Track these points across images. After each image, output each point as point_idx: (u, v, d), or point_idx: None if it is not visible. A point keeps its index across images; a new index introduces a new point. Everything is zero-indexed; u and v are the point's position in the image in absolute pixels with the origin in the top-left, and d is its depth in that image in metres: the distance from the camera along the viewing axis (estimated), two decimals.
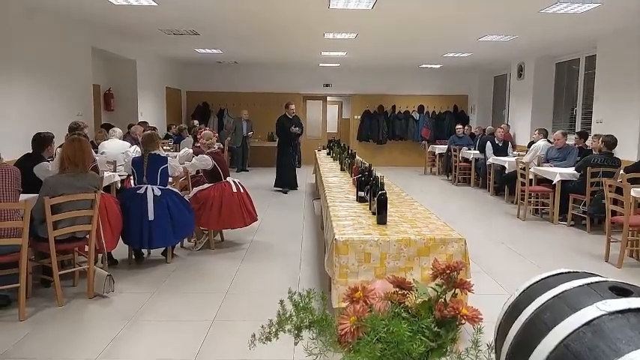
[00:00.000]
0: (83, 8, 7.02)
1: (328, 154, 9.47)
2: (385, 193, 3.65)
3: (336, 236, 3.23)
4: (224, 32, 8.93)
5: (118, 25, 8.37)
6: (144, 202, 4.85)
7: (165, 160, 5.12)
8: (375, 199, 3.67)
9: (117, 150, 6.91)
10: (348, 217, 3.81)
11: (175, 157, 5.85)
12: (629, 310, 0.85)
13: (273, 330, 1.30)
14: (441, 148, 12.87)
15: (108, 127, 8.01)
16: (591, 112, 8.88)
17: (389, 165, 14.46)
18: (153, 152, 5.10)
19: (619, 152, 7.04)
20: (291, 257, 5.39)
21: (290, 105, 9.86)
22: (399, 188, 5.21)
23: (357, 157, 7.18)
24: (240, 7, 6.86)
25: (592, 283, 0.96)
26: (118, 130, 7.56)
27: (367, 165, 4.90)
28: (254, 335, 1.33)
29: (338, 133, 16.01)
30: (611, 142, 6.90)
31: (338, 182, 5.72)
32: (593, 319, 0.85)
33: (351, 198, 4.59)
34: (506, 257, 5.62)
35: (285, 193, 9.79)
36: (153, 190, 4.92)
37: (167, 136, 11.53)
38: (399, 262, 3.22)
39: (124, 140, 7.58)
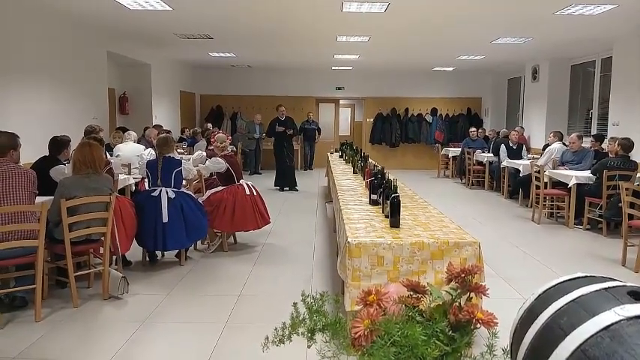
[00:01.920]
0: (99, 13, 7.11)
1: (341, 156, 9.47)
2: (398, 196, 3.64)
3: (349, 239, 3.23)
4: (238, 36, 8.98)
5: (134, 30, 8.46)
6: (158, 204, 4.89)
7: (179, 162, 5.16)
8: (388, 202, 3.66)
9: (132, 153, 6.99)
10: (361, 220, 3.80)
11: (189, 159, 5.88)
12: None
13: (287, 333, 1.30)
14: (454, 151, 12.80)
15: (123, 130, 8.10)
16: (607, 115, 8.77)
17: (401, 168, 14.41)
18: (167, 155, 5.14)
19: (636, 155, 6.93)
20: (304, 260, 5.39)
21: (280, 107, 10.63)
22: (411, 191, 5.19)
23: (370, 159, 7.17)
24: (253, 11, 6.90)
25: (610, 287, 0.94)
26: (132, 134, 7.64)
27: (380, 168, 4.89)
28: (267, 338, 1.33)
29: (350, 136, 16.00)
30: (627, 144, 6.80)
31: (350, 185, 5.71)
32: (612, 325, 0.84)
33: (364, 201, 4.59)
34: (520, 261, 5.56)
35: (281, 191, 10.30)
36: (167, 192, 4.96)
37: (181, 139, 11.62)
38: (412, 265, 3.20)
39: (138, 143, 7.66)
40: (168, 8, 6.67)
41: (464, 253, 3.18)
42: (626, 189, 5.39)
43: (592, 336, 0.84)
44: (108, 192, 4.25)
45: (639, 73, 7.78)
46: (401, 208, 3.64)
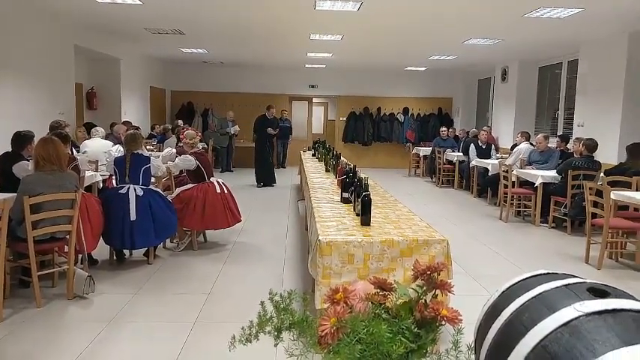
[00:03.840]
0: (66, 6, 6.93)
1: (313, 155, 9.47)
2: (369, 194, 3.65)
3: (320, 237, 3.22)
4: (210, 32, 8.88)
5: (102, 24, 8.27)
6: (126, 202, 4.79)
7: (147, 159, 5.07)
8: (359, 200, 3.67)
9: (99, 149, 6.84)
10: (332, 218, 3.80)
11: (158, 156, 5.79)
12: (606, 311, 0.86)
13: (254, 331, 1.29)
14: (425, 150, 12.95)
15: (90, 126, 7.92)
16: (573, 116, 9.00)
17: (374, 166, 14.50)
18: (135, 152, 5.05)
19: (599, 155, 7.14)
20: (275, 258, 5.37)
21: (271, 108, 10.83)
22: (383, 189, 5.23)
23: (342, 158, 7.18)
24: (226, 7, 6.83)
25: (570, 284, 0.96)
26: (100, 130, 7.48)
27: (352, 166, 4.90)
28: (234, 337, 1.31)
29: (324, 134, 16.02)
30: (591, 145, 7.00)
31: (323, 183, 5.71)
32: (571, 320, 0.86)
33: (336, 199, 4.59)
34: (488, 259, 5.66)
35: (259, 187, 10.43)
36: (135, 190, 4.87)
37: (151, 136, 11.43)
38: (382, 263, 3.22)
39: (106, 139, 7.50)
40: (138, 2, 6.55)
41: (432, 250, 3.22)
42: (590, 188, 5.55)
43: (552, 332, 0.86)
44: (73, 189, 4.14)
45: (604, 75, 8.01)
46: (372, 207, 3.65)
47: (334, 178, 5.89)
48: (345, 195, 4.38)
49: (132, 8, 6.92)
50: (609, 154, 7.57)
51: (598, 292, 0.93)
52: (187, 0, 6.51)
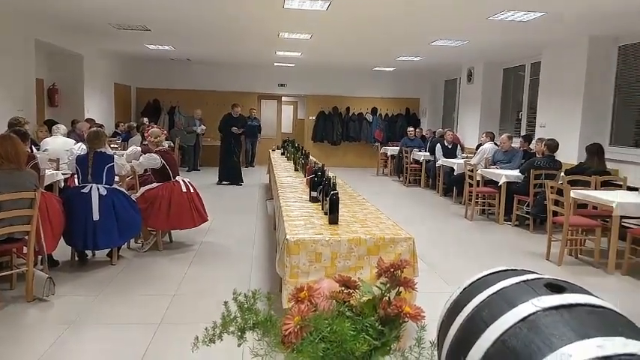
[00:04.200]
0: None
1: (282, 154, 9.44)
2: (337, 193, 3.67)
3: (288, 236, 3.22)
4: (176, 29, 8.74)
5: (65, 19, 8.03)
6: (88, 201, 4.67)
7: (111, 158, 4.95)
8: (328, 199, 3.68)
9: (60, 147, 6.65)
10: (301, 217, 3.80)
11: (122, 155, 5.65)
12: (563, 306, 0.88)
13: (217, 332, 1.27)
14: (393, 150, 13.09)
15: (51, 123, 7.68)
16: (535, 117, 9.24)
17: (343, 166, 14.56)
18: (98, 150, 4.92)
19: (560, 155, 7.36)
20: (243, 258, 5.32)
21: (236, 107, 10.72)
22: (351, 188, 5.25)
23: (311, 157, 7.18)
24: (193, 3, 6.73)
25: (528, 280, 0.99)
26: (62, 127, 7.26)
27: (320, 165, 4.91)
28: (197, 338, 1.30)
29: (293, 134, 16.00)
30: (553, 145, 7.20)
31: (291, 182, 5.70)
32: (529, 315, 0.88)
33: (304, 198, 4.59)
34: (453, 256, 5.76)
35: (218, 184, 10.48)
36: (98, 189, 4.74)
37: (115, 134, 11.19)
38: (349, 261, 3.23)
39: (68, 137, 7.29)
40: None
41: (399, 248, 3.25)
42: (551, 187, 5.71)
43: (511, 327, 0.88)
44: (33, 188, 4.00)
45: (565, 77, 8.25)
46: (340, 205, 3.66)
47: (303, 177, 5.88)
48: (314, 194, 4.38)
49: (96, 3, 6.74)
50: (570, 154, 7.80)
51: (555, 287, 0.95)
52: None
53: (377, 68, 14.08)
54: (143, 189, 5.48)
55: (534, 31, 7.61)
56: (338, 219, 3.60)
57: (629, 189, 6.11)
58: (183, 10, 7.22)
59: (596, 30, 7.36)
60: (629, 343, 0.82)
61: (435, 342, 1.16)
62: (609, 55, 7.73)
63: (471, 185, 7.91)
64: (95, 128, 5.67)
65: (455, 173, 9.35)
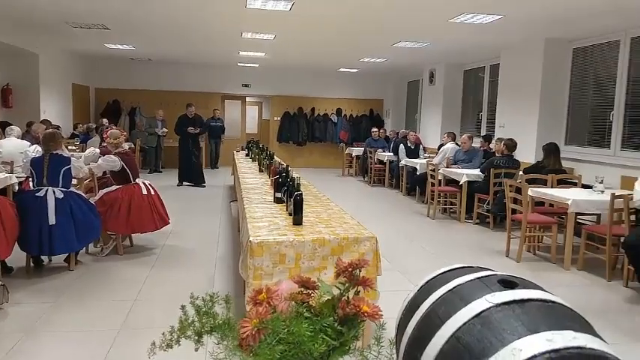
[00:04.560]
0: None
1: (247, 154, 9.36)
2: (301, 193, 3.65)
3: (251, 238, 3.18)
4: (136, 28, 8.55)
5: (19, 16, 7.74)
6: (44, 205, 4.51)
7: (68, 160, 4.80)
8: (292, 199, 3.67)
9: (15, 149, 6.40)
10: (264, 218, 3.77)
11: (80, 157, 5.49)
12: (514, 302, 0.90)
13: (175, 337, 1.25)
14: (358, 151, 13.18)
15: (4, 125, 7.38)
16: (495, 117, 9.48)
17: (308, 166, 14.57)
18: (55, 152, 4.76)
19: (519, 154, 7.56)
20: (206, 261, 5.25)
21: (190, 106, 10.54)
22: (316, 189, 5.25)
23: (276, 158, 7.14)
24: (151, 3, 6.60)
25: (483, 277, 1.00)
26: (15, 129, 6.99)
27: (285, 166, 4.89)
28: (154, 343, 1.27)
29: (258, 134, 15.90)
30: (511, 144, 7.40)
31: (256, 183, 5.65)
32: (482, 312, 0.89)
33: (269, 199, 4.56)
34: (416, 254, 5.84)
35: (179, 185, 10.43)
36: (54, 192, 4.59)
37: (73, 135, 10.86)
38: (313, 262, 3.23)
39: (23, 139, 7.02)
40: None
41: (362, 247, 3.26)
42: (510, 186, 5.86)
43: (465, 323, 0.89)
44: None
45: (523, 79, 8.49)
46: (304, 206, 3.66)
47: (267, 178, 5.85)
48: (278, 195, 4.36)
49: (51, 1, 6.52)
50: (528, 154, 8.03)
51: (508, 283, 0.97)
52: None
53: (341, 69, 14.15)
54: (102, 192, 5.33)
55: (493, 33, 7.80)
56: (302, 220, 3.59)
57: (584, 187, 6.34)
58: (143, 9, 7.08)
59: (552, 32, 7.61)
60: (577, 336, 0.84)
61: (394, 340, 1.17)
62: (564, 57, 8.00)
63: (433, 185, 8.05)
64: (51, 130, 5.49)
65: (418, 173, 9.49)
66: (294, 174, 4.53)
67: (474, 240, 6.65)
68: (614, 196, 4.98)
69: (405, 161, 10.15)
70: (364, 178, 12.49)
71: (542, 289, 0.98)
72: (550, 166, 6.68)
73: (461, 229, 7.30)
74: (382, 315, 1.10)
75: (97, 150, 5.81)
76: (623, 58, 6.87)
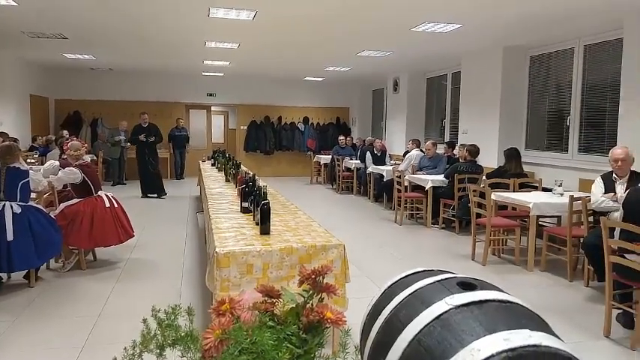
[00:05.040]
0: None
1: (213, 164, 9.27)
2: (268, 202, 3.64)
3: (217, 249, 3.15)
4: (96, 37, 8.38)
5: None
6: (1, 220, 4.35)
7: (26, 173, 4.65)
8: (259, 209, 3.65)
9: None
10: (231, 228, 3.74)
11: (39, 170, 5.33)
12: (473, 303, 0.92)
13: (137, 351, 1.22)
14: (325, 158, 13.24)
15: None
16: (458, 124, 9.68)
17: (276, 175, 14.54)
18: (12, 165, 4.61)
19: (481, 160, 7.74)
20: (172, 274, 5.15)
21: (142, 115, 10.53)
22: (284, 198, 5.24)
23: (243, 167, 7.10)
24: (112, 11, 6.49)
25: (443, 279, 1.02)
26: None
27: (251, 175, 4.86)
28: (115, 358, 1.24)
29: (224, 144, 15.77)
30: (474, 150, 7.58)
31: (222, 193, 5.60)
32: (442, 314, 0.91)
33: (235, 209, 4.52)
34: (384, 260, 5.89)
35: (144, 197, 10.30)
36: (12, 207, 4.44)
37: (32, 148, 10.53)
38: (281, 271, 3.22)
39: None
40: (12, 3, 6.02)
41: (330, 255, 3.27)
42: (474, 190, 5.99)
43: (426, 326, 0.90)
44: None
45: (483, 86, 8.71)
46: (272, 215, 3.64)
47: (234, 188, 5.80)
48: (245, 204, 4.33)
49: (5, 9, 6.34)
50: (490, 159, 8.23)
51: (467, 285, 0.99)
52: (68, 3, 6.09)
53: (307, 78, 14.22)
54: (63, 205, 5.18)
55: (453, 42, 7.99)
56: (270, 229, 3.58)
57: (544, 190, 6.53)
58: (101, 18, 6.95)
59: (509, 41, 7.85)
60: (533, 334, 0.87)
61: (359, 346, 1.17)
62: (522, 65, 8.25)
63: (399, 191, 8.15)
64: (8, 142, 5.31)
65: (384, 180, 9.59)
66: (261, 183, 4.52)
67: (440, 244, 6.75)
68: (572, 199, 5.15)
69: (372, 168, 10.25)
70: (332, 185, 12.55)
71: (501, 290, 1.01)
72: (512, 171, 6.86)
73: (428, 234, 7.41)
74: (346, 321, 1.11)
75: (57, 162, 5.65)
76: (577, 65, 7.15)
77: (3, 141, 6.78)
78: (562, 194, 5.77)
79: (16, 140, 8.02)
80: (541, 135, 8.12)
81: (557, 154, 7.57)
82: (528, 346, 0.82)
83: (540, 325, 0.93)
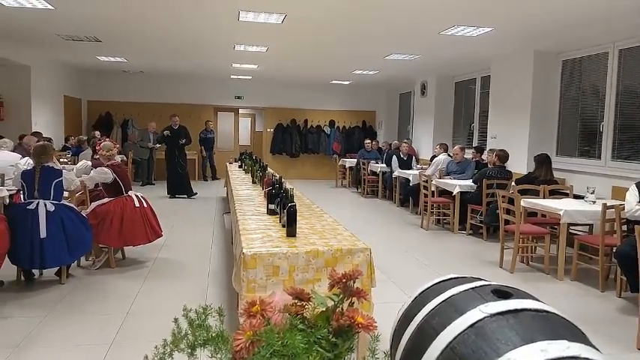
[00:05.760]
0: None
1: (240, 166, 9.35)
2: (295, 205, 3.65)
3: (244, 250, 3.17)
4: (128, 41, 8.57)
5: (10, 29, 7.73)
6: (35, 218, 4.47)
7: (59, 173, 4.77)
8: (285, 211, 3.66)
9: (6, 162, 6.35)
10: (258, 230, 3.76)
11: (72, 169, 5.46)
12: (509, 312, 0.90)
13: (168, 350, 1.23)
14: (351, 162, 13.21)
15: None
16: (487, 128, 9.54)
17: (302, 178, 14.58)
18: (46, 164, 4.74)
19: (511, 165, 7.61)
20: (199, 274, 5.21)
21: (173, 117, 10.60)
22: (309, 200, 5.24)
23: (270, 169, 7.14)
24: (144, 15, 6.62)
25: (476, 287, 1.01)
26: (8, 141, 6.96)
27: (278, 177, 4.88)
28: (146, 356, 1.25)
29: (251, 146, 15.91)
30: (503, 155, 7.45)
31: (249, 195, 5.64)
32: (477, 322, 0.89)
33: (262, 211, 4.54)
34: (410, 266, 5.83)
35: (172, 197, 10.41)
36: (45, 205, 4.56)
37: (65, 148, 10.81)
38: (307, 274, 3.21)
39: (14, 152, 6.98)
40: (49, 7, 6.20)
41: (356, 259, 3.26)
42: (503, 196, 5.89)
43: (460, 334, 0.89)
44: None
45: (513, 90, 8.57)
46: (298, 218, 3.65)
47: (261, 190, 5.84)
48: (271, 206, 4.35)
49: (42, 13, 6.53)
50: (519, 164, 8.08)
51: (502, 293, 0.97)
52: (103, 7, 6.24)
53: (334, 81, 14.23)
54: (94, 204, 5.30)
55: (483, 45, 7.89)
56: (296, 231, 3.58)
57: (575, 197, 6.38)
58: (135, 22, 7.10)
59: (540, 45, 7.70)
60: (571, 345, 0.84)
61: (389, 352, 1.16)
62: (553, 69, 8.09)
63: (426, 196, 8.07)
64: (42, 142, 5.47)
65: (411, 184, 9.51)
66: (288, 185, 4.53)
67: (467, 251, 6.66)
68: (605, 207, 5.01)
69: (398, 172, 10.18)
70: (357, 189, 12.51)
71: (537, 299, 0.99)
72: (542, 177, 6.72)
73: (454, 240, 7.31)
74: (377, 326, 1.10)
75: (89, 162, 5.78)
76: (611, 69, 6.97)
77: (37, 141, 6.97)
78: (594, 202, 5.62)
79: (50, 140, 8.24)
80: (573, 141, 7.93)
81: (589, 160, 7.39)
82: (567, 357, 0.80)
83: (578, 335, 0.91)
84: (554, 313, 0.93)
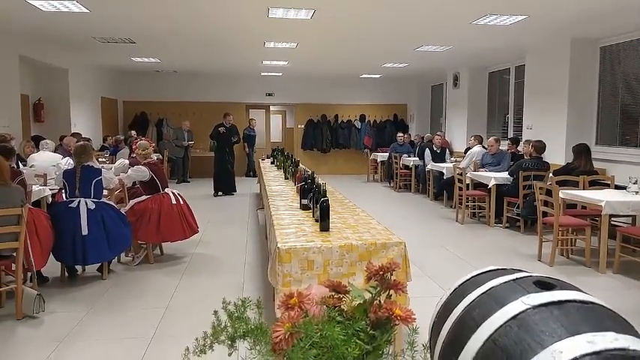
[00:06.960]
0: (9, 15, 6.66)
1: (272, 162, 9.43)
2: (327, 200, 3.65)
3: (279, 244, 3.20)
4: (161, 41, 8.73)
5: (48, 33, 8.00)
6: (76, 216, 4.62)
7: (99, 171, 4.91)
8: (318, 206, 3.67)
9: (47, 163, 6.59)
10: (292, 225, 3.78)
11: (110, 168, 5.61)
12: (552, 303, 0.88)
13: (208, 342, 1.26)
14: (382, 156, 13.12)
15: (38, 139, 7.61)
16: (522, 119, 9.32)
17: (333, 173, 14.58)
18: (86, 164, 4.88)
19: (548, 156, 7.41)
20: (235, 269, 5.29)
21: (227, 116, 10.60)
22: (342, 195, 5.24)
23: (301, 165, 7.17)
24: (177, 16, 6.73)
25: (518, 278, 0.99)
26: (49, 142, 7.22)
27: (310, 173, 4.90)
28: (187, 348, 1.28)
29: (282, 142, 16.00)
30: (540, 146, 7.27)
31: (282, 190, 5.68)
32: (519, 314, 0.87)
33: (295, 206, 4.57)
34: (445, 259, 5.77)
35: (216, 196, 10.43)
36: (86, 203, 4.70)
37: (103, 148, 11.12)
38: (341, 268, 3.22)
39: (55, 152, 7.23)
40: (85, 10, 6.37)
41: (390, 253, 3.24)
42: (540, 188, 5.75)
43: (501, 325, 0.87)
44: (19, 204, 3.96)
45: (549, 79, 8.34)
46: (330, 212, 3.65)
47: (293, 186, 5.87)
48: (304, 201, 4.37)
49: (79, 17, 6.72)
50: (557, 155, 7.86)
51: (544, 284, 0.95)
52: (137, 9, 6.37)
53: (364, 75, 14.15)
54: (132, 202, 5.44)
55: (517, 34, 7.70)
56: (329, 226, 3.59)
57: (617, 188, 6.17)
58: (167, 23, 7.22)
59: (577, 32, 7.46)
60: (619, 337, 0.82)
61: (428, 344, 1.16)
62: (592, 57, 7.82)
63: (460, 189, 7.94)
64: (82, 142, 5.63)
65: (444, 177, 9.38)
66: (320, 180, 4.54)
67: (504, 244, 6.53)
68: None
69: (431, 165, 10.06)
70: (390, 183, 12.42)
71: (581, 290, 0.96)
72: (581, 168, 6.52)
73: (490, 234, 7.19)
74: (415, 318, 1.09)
75: (127, 161, 5.93)
76: None
77: (77, 141, 7.20)
78: (637, 192, 5.43)
79: (89, 140, 8.50)
80: (613, 130, 7.66)
81: (631, 149, 7.12)
82: (615, 349, 0.78)
83: (626, 327, 0.88)
84: (600, 305, 0.91)
